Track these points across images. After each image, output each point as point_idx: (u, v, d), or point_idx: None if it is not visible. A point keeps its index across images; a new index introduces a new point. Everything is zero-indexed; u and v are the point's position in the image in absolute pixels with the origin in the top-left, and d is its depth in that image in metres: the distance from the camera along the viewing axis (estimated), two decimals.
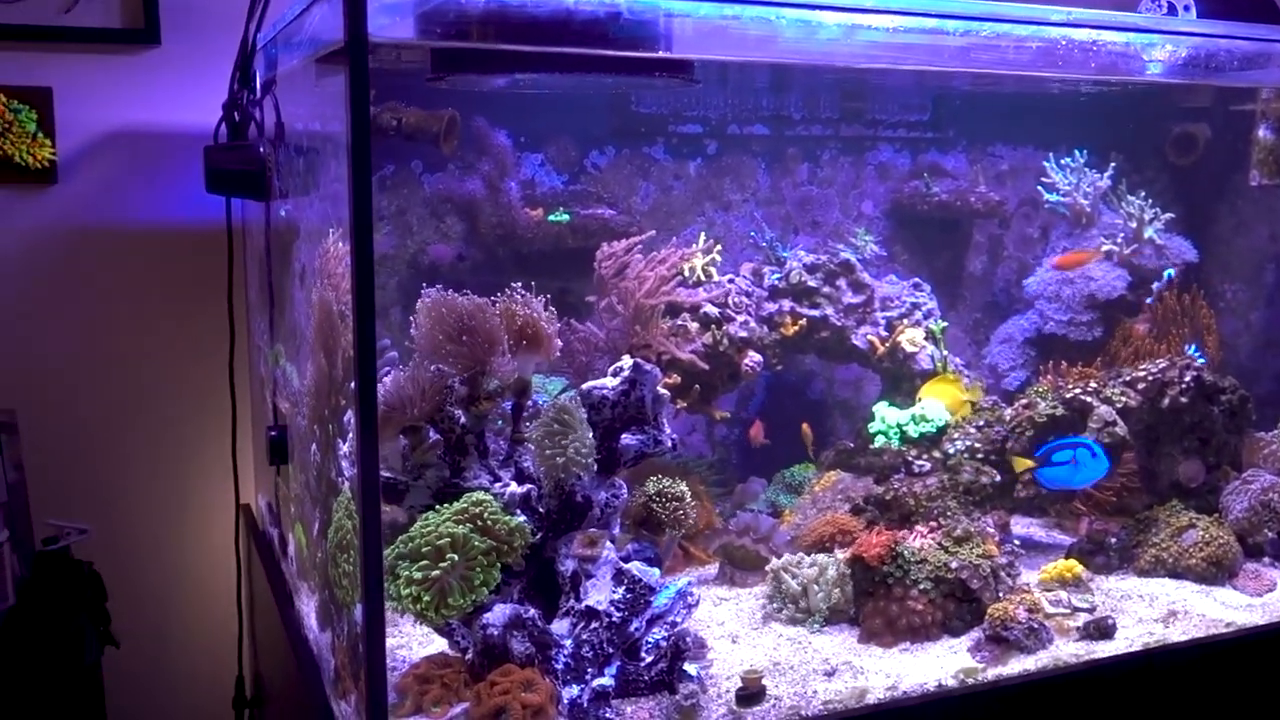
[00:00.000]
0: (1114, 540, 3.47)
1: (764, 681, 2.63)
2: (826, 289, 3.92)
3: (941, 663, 2.81)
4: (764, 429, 3.77)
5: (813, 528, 3.21)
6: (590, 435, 2.62)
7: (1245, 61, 3.45)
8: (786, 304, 3.85)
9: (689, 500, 2.84)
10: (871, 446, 3.72)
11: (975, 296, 4.49)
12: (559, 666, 2.57)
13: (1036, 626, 2.87)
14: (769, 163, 4.19)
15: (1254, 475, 3.50)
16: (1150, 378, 3.52)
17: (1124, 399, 3.47)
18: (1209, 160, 4.33)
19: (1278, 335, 4.64)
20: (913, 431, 3.70)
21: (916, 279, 4.12)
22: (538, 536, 2.69)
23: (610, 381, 2.77)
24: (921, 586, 2.92)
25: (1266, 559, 3.46)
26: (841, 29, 2.38)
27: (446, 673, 2.59)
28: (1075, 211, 4.24)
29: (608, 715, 2.50)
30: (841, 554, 3.06)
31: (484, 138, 3.68)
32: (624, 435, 2.75)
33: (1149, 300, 3.98)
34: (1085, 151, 4.26)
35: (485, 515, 2.54)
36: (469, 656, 2.63)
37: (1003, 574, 3.09)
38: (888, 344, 3.88)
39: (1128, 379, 3.54)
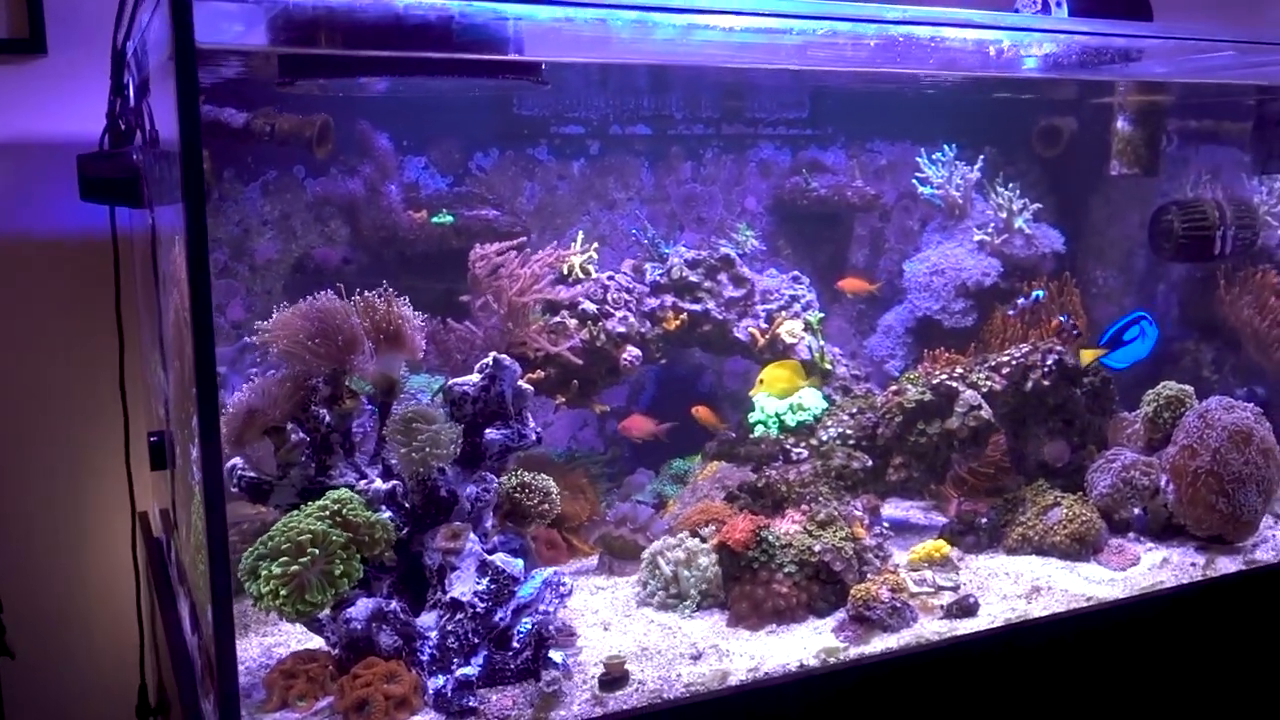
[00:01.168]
0: (984, 520, 3.53)
1: (628, 666, 2.65)
2: (708, 284, 3.94)
3: (806, 643, 2.84)
4: (644, 423, 3.77)
5: (687, 516, 3.23)
6: (450, 430, 2.61)
7: (1120, 56, 3.53)
8: (669, 299, 3.87)
9: (554, 492, 2.84)
10: (751, 436, 3.75)
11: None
12: (424, 658, 2.57)
13: (899, 606, 2.91)
14: (652, 161, 4.21)
15: (1116, 453, 3.58)
16: (1014, 362, 3.58)
17: (989, 383, 3.54)
18: (1081, 152, 4.41)
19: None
20: (790, 420, 3.73)
21: (796, 272, 4.16)
22: (404, 532, 2.69)
23: (474, 378, 2.77)
24: (786, 570, 2.95)
25: (1131, 534, 3.54)
26: (677, 29, 2.39)
27: (312, 667, 2.58)
28: (949, 203, 4.31)
29: (471, 704, 2.49)
30: (712, 540, 3.08)
31: (366, 141, 3.65)
32: (488, 430, 2.75)
33: (1010, 313, 4.04)
34: (955, 146, 4.33)
35: (345, 511, 2.52)
36: (336, 651, 2.62)
37: (871, 556, 3.14)
38: (768, 336, 3.91)
39: (993, 364, 3.60)
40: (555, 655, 2.66)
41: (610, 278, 3.71)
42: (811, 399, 3.80)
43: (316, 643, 2.73)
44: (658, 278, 3.87)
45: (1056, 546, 3.37)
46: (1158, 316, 4.65)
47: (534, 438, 2.82)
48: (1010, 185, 4.37)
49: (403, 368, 2.78)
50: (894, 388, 3.61)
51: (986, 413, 3.48)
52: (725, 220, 4.31)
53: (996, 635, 2.92)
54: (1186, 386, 3.68)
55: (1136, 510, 3.57)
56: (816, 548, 2.96)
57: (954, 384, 3.50)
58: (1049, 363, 3.57)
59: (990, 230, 4.21)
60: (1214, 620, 3.22)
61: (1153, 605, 3.13)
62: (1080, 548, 3.36)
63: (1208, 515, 3.38)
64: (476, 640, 2.59)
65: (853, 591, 2.90)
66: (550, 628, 2.64)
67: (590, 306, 3.56)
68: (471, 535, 2.66)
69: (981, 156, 4.30)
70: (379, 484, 2.67)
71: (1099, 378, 3.67)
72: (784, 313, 3.98)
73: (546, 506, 2.80)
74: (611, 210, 4.16)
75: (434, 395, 3.28)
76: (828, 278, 4.53)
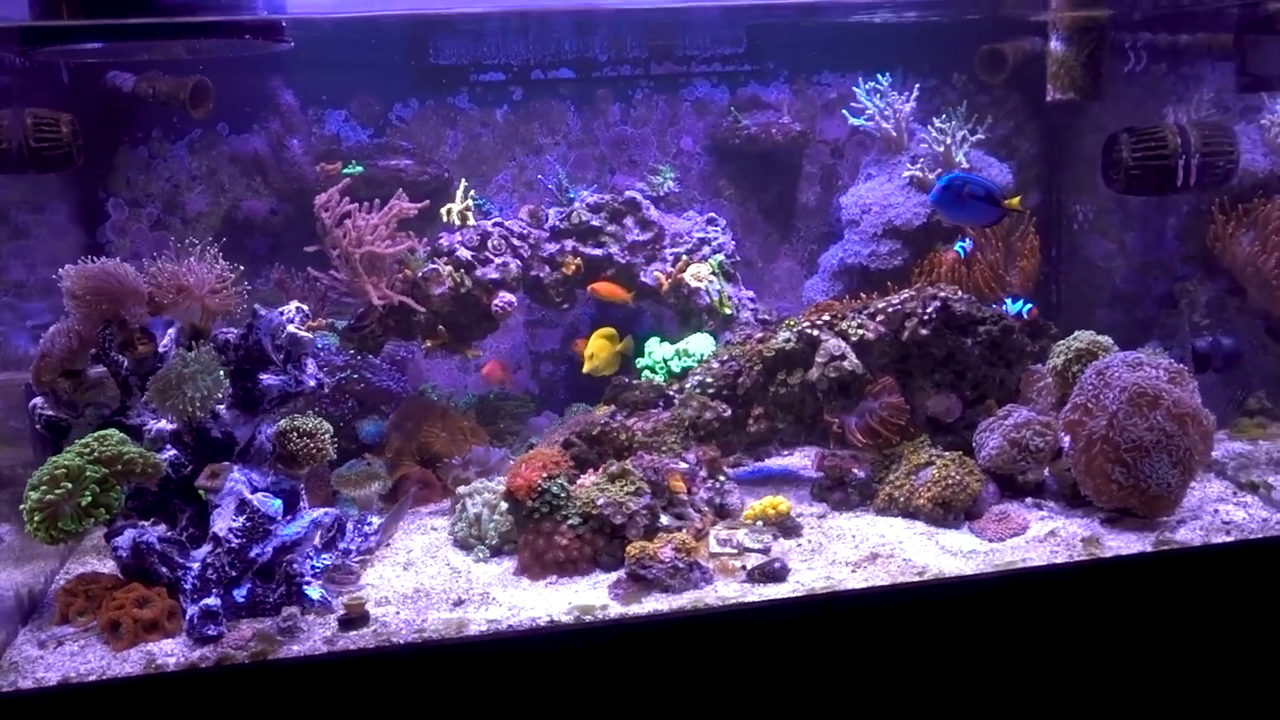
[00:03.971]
0: (857, 476, 3.16)
1: (371, 609, 2.54)
2: (611, 228, 3.68)
3: (581, 598, 2.62)
4: (502, 367, 3.58)
5: (519, 460, 3.05)
6: (204, 380, 2.55)
7: None
8: (570, 244, 3.65)
9: (322, 434, 2.74)
10: (640, 381, 3.49)
11: (810, 228, 4.12)
12: (188, 587, 2.56)
13: (682, 566, 2.62)
14: (578, 105, 3.94)
15: (1009, 411, 3.07)
16: (890, 309, 3.14)
17: (861, 332, 3.12)
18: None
19: (1156, 258, 4.06)
20: (675, 366, 3.46)
21: (712, 214, 3.81)
22: (189, 470, 2.68)
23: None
24: (571, 522, 2.73)
25: (1030, 500, 3.05)
26: None
27: (93, 588, 2.61)
28: (884, 136, 3.81)
29: (212, 632, 2.46)
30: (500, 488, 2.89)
31: (273, 98, 3.62)
32: (263, 376, 2.68)
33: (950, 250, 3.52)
34: (901, 75, 3.81)
35: (102, 447, 2.53)
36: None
37: (692, 510, 2.87)
38: (671, 280, 3.62)
39: (870, 311, 3.18)
40: (313, 592, 2.59)
41: (497, 224, 3.52)
42: (700, 344, 3.50)
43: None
44: (558, 223, 3.65)
45: (920, 510, 2.95)
46: (1158, 254, 4.01)
47: (313, 384, 2.73)
48: (946, 114, 3.79)
49: (198, 314, 2.73)
50: (758, 335, 3.26)
51: (850, 363, 3.07)
52: (660, 162, 4.01)
53: (780, 607, 2.52)
54: (1102, 338, 3.11)
55: (1047, 473, 3.08)
56: (600, 500, 2.73)
57: (815, 332, 3.11)
58: (929, 310, 3.10)
59: (922, 165, 3.68)
60: (1067, 611, 2.62)
61: (991, 586, 2.61)
62: (945, 513, 2.91)
63: (1105, 486, 2.81)
64: (234, 573, 2.55)
65: (628, 548, 2.65)
66: (296, 565, 2.57)
67: (465, 254, 3.40)
68: (235, 475, 2.61)
69: (917, 85, 3.77)
70: (163, 424, 2.67)
71: (998, 327, 3.16)
72: (691, 256, 3.67)
73: (314, 449, 2.71)
74: (538, 156, 3.94)
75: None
76: (775, 217, 4.14)
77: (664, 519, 2.81)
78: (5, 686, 2.33)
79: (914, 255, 3.71)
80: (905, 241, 3.70)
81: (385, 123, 3.83)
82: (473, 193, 3.53)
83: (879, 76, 3.74)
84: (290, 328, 2.68)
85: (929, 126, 3.73)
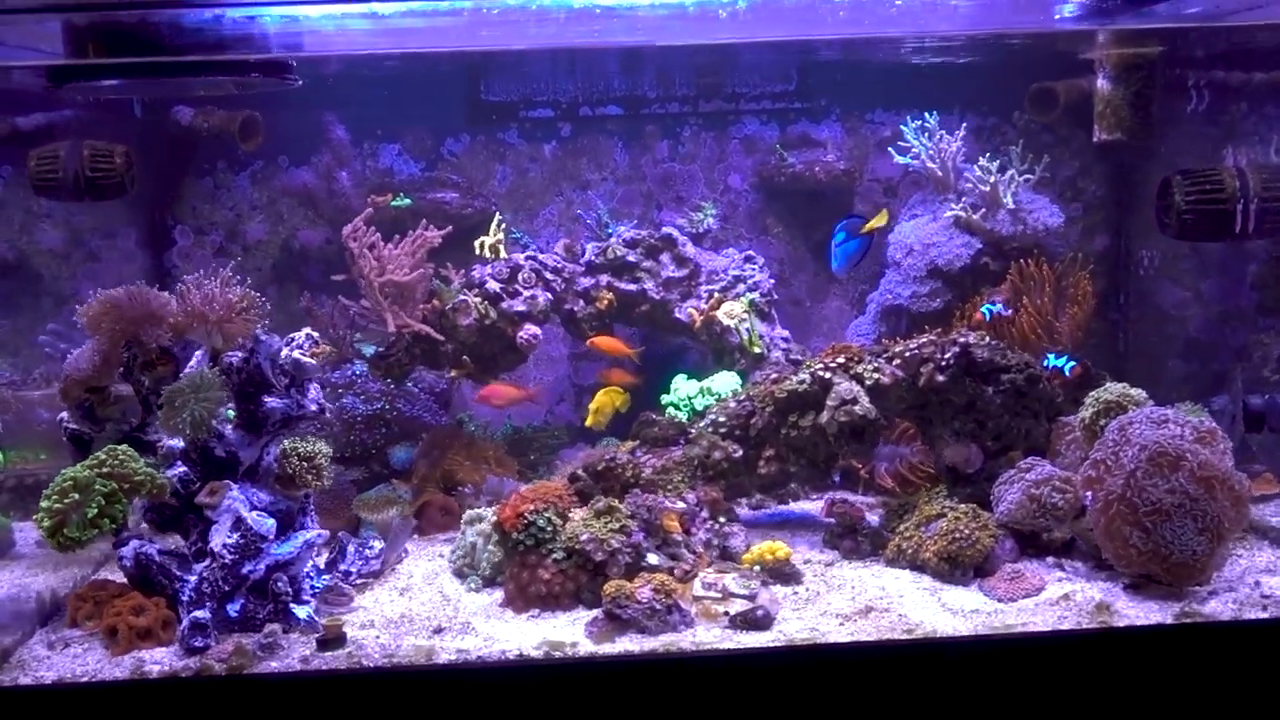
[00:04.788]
0: (869, 524, 3.01)
1: (355, 631, 2.55)
2: (647, 263, 3.64)
3: (558, 633, 2.57)
4: (505, 391, 3.48)
5: (524, 493, 3.03)
6: (203, 402, 2.62)
7: None
8: (604, 279, 3.62)
9: (321, 457, 2.77)
10: (662, 418, 3.42)
11: (860, 267, 3.96)
12: (185, 598, 2.63)
13: (660, 608, 2.54)
14: (626, 141, 3.93)
15: (1030, 464, 2.87)
16: (908, 354, 2.99)
17: (876, 376, 2.98)
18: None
19: (1234, 307, 3.76)
20: (699, 404, 3.38)
21: (750, 251, 3.72)
22: (196, 486, 2.76)
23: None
24: (555, 556, 2.69)
25: (1052, 559, 2.84)
26: None
27: (101, 594, 2.72)
28: (930, 175, 3.64)
29: (199, 644, 2.52)
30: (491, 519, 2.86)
31: (327, 132, 3.74)
32: (267, 399, 2.74)
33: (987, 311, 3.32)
34: (936, 113, 3.63)
35: (113, 462, 2.63)
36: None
37: (685, 551, 2.79)
38: (704, 317, 3.55)
39: (888, 355, 3.03)
40: (300, 611, 2.63)
41: (530, 258, 3.53)
42: (724, 383, 3.41)
43: None
44: (593, 257, 3.63)
45: (927, 564, 2.79)
46: (1236, 303, 3.71)
47: (315, 408, 2.77)
48: (992, 154, 3.59)
49: (216, 337, 2.82)
50: (773, 375, 3.15)
51: (862, 408, 2.93)
52: (707, 199, 3.95)
53: (754, 656, 2.40)
54: (1134, 391, 2.88)
55: (1065, 533, 2.86)
56: (583, 536, 2.67)
57: (828, 374, 2.99)
58: (947, 356, 2.94)
59: (964, 205, 3.50)
60: (1069, 684, 2.38)
61: (984, 650, 2.43)
62: (951, 568, 2.74)
63: (1124, 550, 2.59)
64: (228, 588, 2.61)
65: (605, 586, 2.59)
66: (282, 584, 2.60)
67: (494, 286, 3.42)
68: (233, 493, 2.67)
69: (964, 124, 3.60)
70: (176, 442, 2.76)
71: (1023, 376, 2.96)
72: (725, 294, 3.59)
73: (311, 472, 2.75)
74: (585, 191, 3.95)
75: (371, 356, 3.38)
76: (825, 256, 4.01)
77: (654, 558, 2.73)
78: (6, 681, 2.44)
79: (957, 297, 3.54)
80: (947, 283, 3.53)
81: (437, 157, 3.90)
82: (505, 227, 3.55)
83: (926, 115, 3.59)
84: (296, 354, 2.74)
85: (974, 165, 3.55)
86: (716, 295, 3.54)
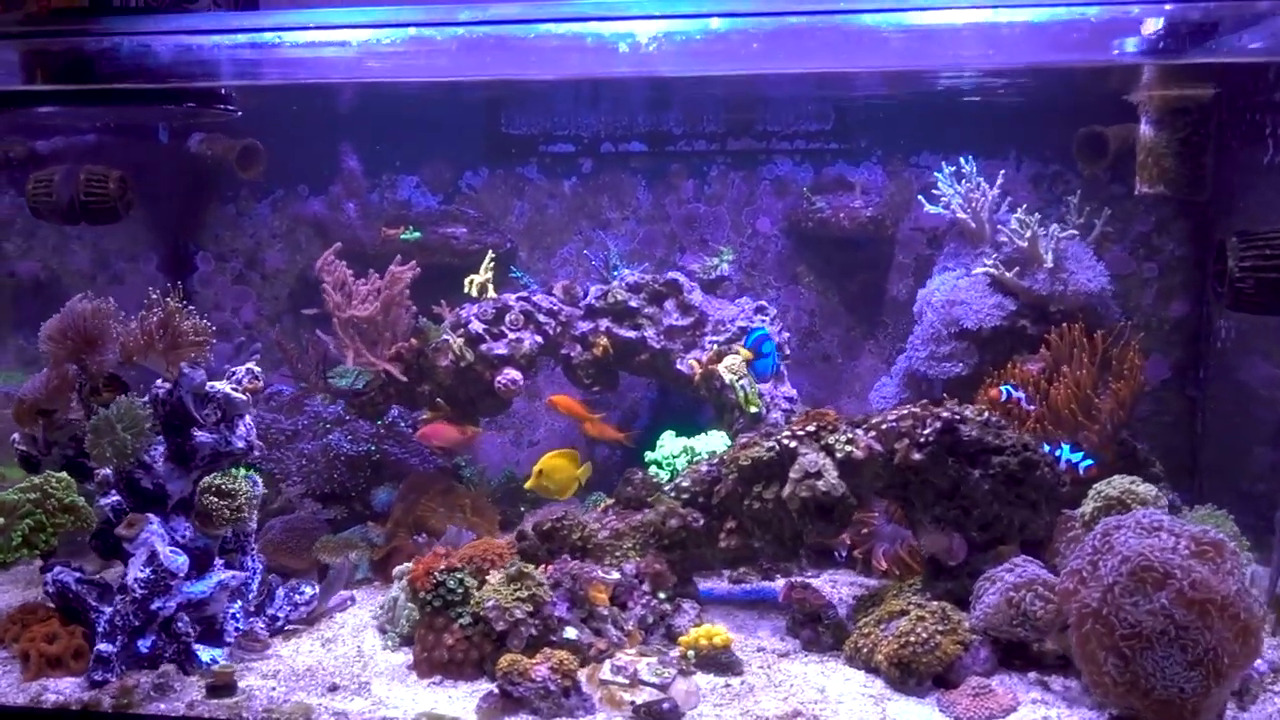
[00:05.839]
0: (833, 613, 2.75)
1: (257, 680, 2.54)
2: (649, 310, 3.49)
3: (451, 705, 2.45)
4: (445, 431, 3.33)
5: (465, 547, 2.93)
6: (132, 429, 2.66)
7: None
8: (604, 323, 3.50)
9: (243, 496, 2.76)
10: (643, 476, 3.25)
11: (898, 324, 3.69)
12: (100, 630, 2.68)
13: (554, 689, 2.39)
14: (649, 180, 3.81)
15: (1015, 563, 2.55)
16: (885, 426, 2.73)
17: (848, 448, 2.72)
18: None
19: None
20: (680, 465, 3.20)
21: (763, 302, 3.51)
22: (127, 516, 2.82)
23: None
24: (462, 621, 2.58)
25: (1035, 674, 2.51)
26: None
27: (31, 618, 2.80)
28: (963, 226, 3.33)
29: (99, 678, 2.55)
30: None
31: (340, 162, 3.80)
32: (197, 433, 2.77)
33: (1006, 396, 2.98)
34: (982, 158, 3.33)
35: (46, 488, 2.72)
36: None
37: (610, 626, 2.62)
38: (703, 371, 3.37)
39: (866, 425, 2.77)
40: (204, 654, 2.63)
41: (521, 299, 3.45)
42: (711, 443, 3.22)
43: None
44: (594, 300, 3.52)
45: (879, 667, 2.52)
46: None
47: (241, 445, 2.78)
48: (1057, 204, 3.26)
49: (164, 365, 2.87)
50: (743, 440, 2.93)
51: (826, 483, 2.67)
52: (733, 243, 3.77)
53: None
54: (1143, 487, 2.52)
55: (1049, 643, 2.52)
56: (488, 603, 2.55)
57: (794, 444, 2.76)
58: (926, 432, 2.66)
59: (995, 261, 3.18)
60: None
61: None
62: (905, 676, 2.46)
63: (1099, 678, 2.24)
64: (138, 623, 2.64)
65: (500, 660, 2.45)
66: (186, 623, 2.61)
67: (478, 327, 3.36)
68: (151, 526, 2.69)
69: (1002, 171, 3.27)
70: (109, 470, 2.83)
71: (1017, 460, 2.64)
72: (731, 346, 3.40)
73: (227, 511, 2.73)
74: (605, 230, 3.85)
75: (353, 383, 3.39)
76: (859, 309, 3.76)
77: (572, 632, 2.58)
78: None
79: (984, 362, 3.21)
80: (975, 345, 3.21)
81: (455, 190, 3.90)
82: (495, 266, 3.47)
83: (963, 159, 3.30)
84: (227, 388, 2.76)
85: (1012, 216, 3.23)
86: (717, 347, 3.36)
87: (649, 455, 3.30)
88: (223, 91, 2.77)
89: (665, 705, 2.37)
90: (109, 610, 2.67)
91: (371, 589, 3.18)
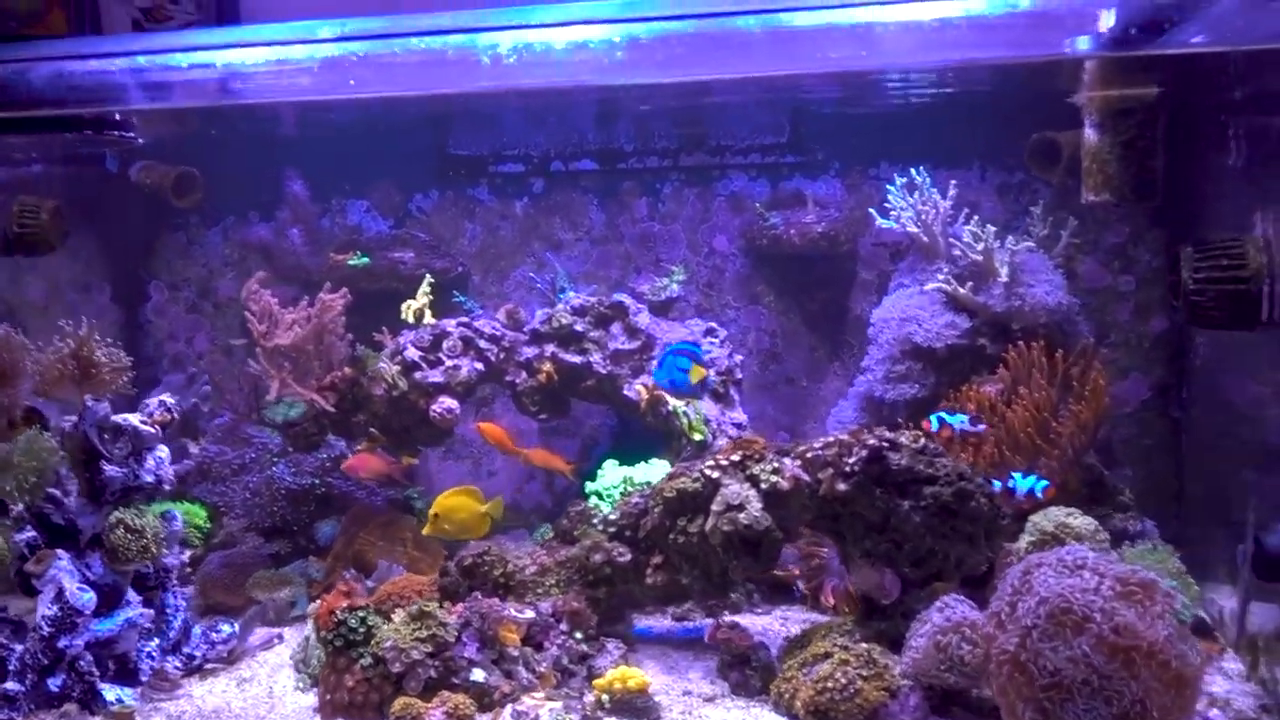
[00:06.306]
0: (764, 655, 2.67)
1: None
2: (595, 334, 3.44)
3: None
4: (371, 462, 3.28)
5: (386, 585, 2.90)
6: (33, 464, 2.67)
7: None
8: (550, 349, 3.46)
9: (150, 533, 2.75)
10: (582, 508, 3.20)
11: (863, 343, 3.58)
12: (11, 668, 2.69)
13: None
14: (601, 199, 3.77)
15: (946, 604, 2.43)
16: (810, 455, 2.64)
17: (774, 478, 2.64)
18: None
19: None
20: (620, 496, 3.14)
21: (712, 324, 3.44)
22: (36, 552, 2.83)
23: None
24: (363, 662, 2.54)
25: None
26: None
27: None
28: (916, 240, 3.23)
29: (2, 718, 2.57)
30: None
31: (284, 186, 3.81)
32: (106, 467, 2.78)
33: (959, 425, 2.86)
34: (923, 169, 3.21)
35: None
36: None
37: (521, 669, 2.57)
38: (648, 397, 3.32)
39: (794, 454, 2.69)
40: (110, 693, 2.63)
41: (461, 324, 3.42)
42: (649, 473, 3.16)
43: None
44: (539, 325, 3.48)
45: (798, 715, 2.44)
46: None
47: (151, 479, 2.79)
48: (1022, 215, 3.16)
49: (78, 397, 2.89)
50: (677, 468, 2.86)
51: (749, 516, 2.60)
52: (689, 261, 3.71)
53: None
54: (1080, 520, 2.42)
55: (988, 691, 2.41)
56: (387, 643, 2.51)
57: (716, 474, 2.69)
58: (852, 461, 2.57)
59: (947, 276, 3.08)
60: None
61: None
62: None
63: None
64: (46, 661, 2.65)
65: (394, 704, 2.42)
66: (88, 662, 2.61)
67: (414, 354, 3.34)
68: (60, 563, 2.70)
69: (954, 182, 3.17)
70: (20, 506, 2.85)
71: (951, 490, 2.54)
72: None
73: (135, 547, 2.73)
74: (558, 251, 3.81)
75: (289, 416, 3.37)
76: (822, 329, 3.67)
77: (479, 674, 2.53)
78: None
79: (941, 383, 3.11)
80: (930, 365, 3.11)
81: (405, 213, 3.90)
82: (433, 290, 3.44)
83: (913, 170, 3.21)
84: (135, 420, 2.77)
85: (965, 229, 3.13)
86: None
87: (589, 486, 3.24)
88: (115, 117, 2.79)
89: None
90: (19, 649, 2.70)
91: (304, 626, 3.16)
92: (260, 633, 3.03)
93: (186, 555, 3.33)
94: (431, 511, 2.94)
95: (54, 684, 2.64)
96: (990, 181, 3.47)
